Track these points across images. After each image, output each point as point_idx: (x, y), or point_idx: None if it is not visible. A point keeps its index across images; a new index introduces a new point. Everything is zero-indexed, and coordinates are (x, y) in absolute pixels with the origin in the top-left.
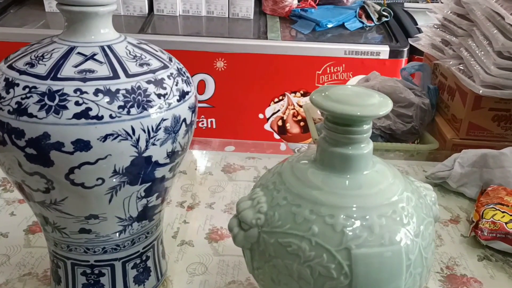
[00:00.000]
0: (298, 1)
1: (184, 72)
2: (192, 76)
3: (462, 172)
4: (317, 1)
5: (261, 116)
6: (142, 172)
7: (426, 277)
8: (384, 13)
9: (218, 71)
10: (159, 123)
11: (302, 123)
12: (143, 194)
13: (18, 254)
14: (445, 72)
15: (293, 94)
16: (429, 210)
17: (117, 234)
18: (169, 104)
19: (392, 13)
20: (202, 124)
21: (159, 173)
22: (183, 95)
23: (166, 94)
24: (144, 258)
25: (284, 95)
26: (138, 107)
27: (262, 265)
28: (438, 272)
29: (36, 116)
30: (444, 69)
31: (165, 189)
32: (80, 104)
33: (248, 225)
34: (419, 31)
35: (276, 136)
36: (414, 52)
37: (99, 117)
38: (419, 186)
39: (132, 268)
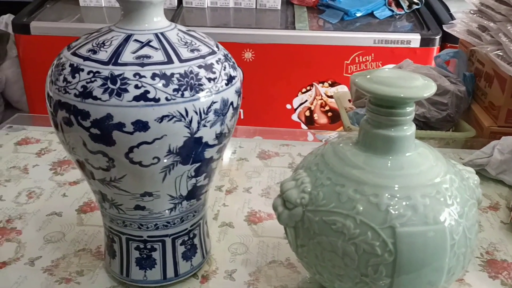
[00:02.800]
0: None
1: (230, 58)
2: None
3: (502, 159)
4: None
5: (288, 106)
6: (193, 153)
7: (469, 258)
8: (415, 0)
9: (246, 62)
10: (210, 105)
11: (329, 114)
12: (193, 173)
13: (72, 231)
14: (482, 59)
15: (321, 84)
16: (472, 192)
17: (168, 211)
18: (218, 87)
19: (423, 0)
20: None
21: (208, 153)
22: (230, 79)
23: (216, 78)
24: (191, 235)
25: (312, 85)
26: (191, 90)
27: (306, 242)
28: (478, 257)
29: (100, 99)
30: (481, 56)
31: (212, 170)
32: (139, 88)
33: (292, 204)
34: (452, 18)
35: (304, 127)
36: (446, 40)
37: (156, 100)
38: (462, 169)
39: (180, 244)
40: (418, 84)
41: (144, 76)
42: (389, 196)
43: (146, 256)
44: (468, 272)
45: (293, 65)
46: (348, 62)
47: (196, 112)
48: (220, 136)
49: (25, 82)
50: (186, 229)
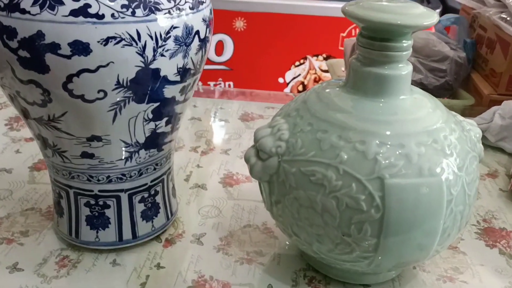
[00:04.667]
0: None
1: None
2: None
3: (503, 124)
4: None
5: (281, 80)
6: (149, 88)
7: (467, 219)
8: None
9: (237, 31)
10: (169, 30)
11: None
12: (150, 116)
13: (21, 189)
14: (485, 24)
15: (315, 58)
16: (473, 145)
17: (123, 161)
18: (180, 10)
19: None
20: (220, 87)
21: (168, 92)
22: (196, 3)
23: None
24: (152, 192)
25: (305, 58)
26: (144, 9)
27: (281, 198)
28: (474, 225)
29: (29, 12)
30: (484, 20)
31: (176, 115)
32: (78, 0)
33: (267, 154)
34: None
35: None
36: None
37: (99, 16)
38: (462, 121)
39: (139, 202)
40: (417, 12)
41: None
42: (378, 143)
43: (98, 214)
44: (463, 240)
45: (286, 36)
46: (344, 34)
47: (151, 37)
48: (183, 72)
49: None
50: (146, 184)
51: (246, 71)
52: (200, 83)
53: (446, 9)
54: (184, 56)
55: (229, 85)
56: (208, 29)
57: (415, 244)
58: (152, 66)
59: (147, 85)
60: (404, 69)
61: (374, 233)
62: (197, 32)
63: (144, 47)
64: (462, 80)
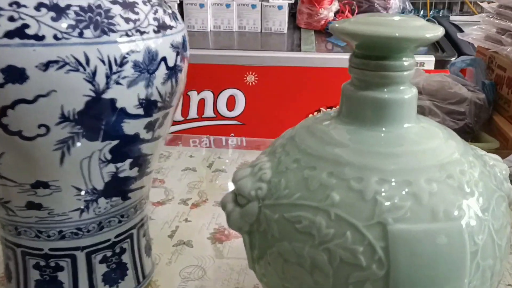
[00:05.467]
0: (334, 14)
1: (169, 6)
2: (221, 92)
3: None
4: (355, 13)
5: None
6: (104, 123)
7: (500, 276)
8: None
9: (248, 86)
10: (125, 55)
11: None
12: (108, 156)
13: None
14: (503, 63)
15: (328, 110)
16: (500, 183)
17: (78, 213)
18: (141, 33)
19: (436, 22)
20: (232, 141)
21: (129, 128)
22: (163, 27)
23: (138, 20)
24: (117, 250)
25: (319, 110)
26: (95, 29)
27: (263, 253)
28: (510, 285)
29: None
30: (502, 60)
31: (143, 156)
32: (15, 20)
33: (245, 198)
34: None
35: None
36: None
37: (39, 37)
38: (484, 155)
39: (100, 262)
40: (418, 24)
41: (24, 6)
42: (378, 180)
43: (49, 278)
44: None
45: (298, 89)
46: None
47: (102, 61)
48: (147, 104)
49: None
50: (109, 240)
51: (259, 125)
52: (211, 137)
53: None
54: (147, 86)
55: (241, 141)
56: (179, 57)
57: None
58: (106, 96)
59: (100, 119)
60: (407, 92)
61: None
62: (164, 59)
63: (94, 73)
64: (483, 123)
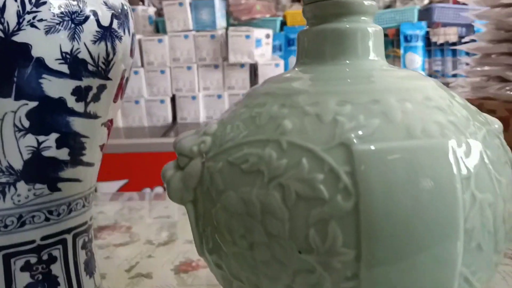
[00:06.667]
0: None
1: None
2: None
3: None
4: None
5: None
6: (16, 73)
7: (507, 222)
8: None
9: None
10: None
11: None
12: (25, 123)
13: None
14: (492, 106)
15: None
16: (490, 121)
17: None
18: None
19: None
20: None
21: (51, 88)
22: None
23: None
24: (45, 257)
25: None
26: None
27: (208, 218)
28: None
29: None
30: (491, 104)
31: (75, 136)
32: None
33: (187, 156)
34: None
35: None
36: None
37: None
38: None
39: (22, 269)
40: None
41: None
42: (338, 102)
43: None
44: None
45: None
46: None
47: None
48: (72, 62)
49: None
50: (33, 242)
51: None
52: None
53: None
54: (72, 38)
55: None
56: (116, 21)
57: (422, 257)
58: (17, 39)
59: (11, 67)
60: (370, 25)
61: (349, 239)
62: (94, 14)
63: (3, 9)
64: None
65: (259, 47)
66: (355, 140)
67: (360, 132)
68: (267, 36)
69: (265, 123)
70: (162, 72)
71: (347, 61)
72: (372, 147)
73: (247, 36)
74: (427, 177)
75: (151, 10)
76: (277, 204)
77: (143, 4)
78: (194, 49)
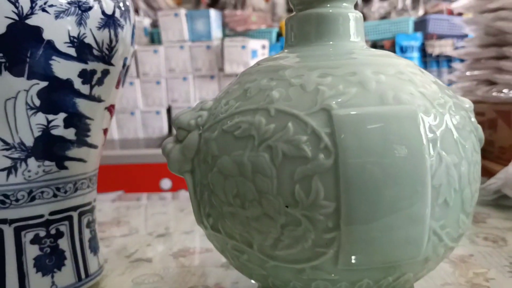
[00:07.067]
0: None
1: None
2: None
3: None
4: None
5: None
6: (29, 54)
7: (472, 184)
8: None
9: None
10: None
11: None
12: (37, 101)
13: None
14: (481, 109)
15: None
16: (460, 101)
17: (4, 174)
18: None
19: None
20: None
21: (60, 69)
22: None
23: None
24: (52, 231)
25: None
26: None
27: (205, 183)
28: (506, 266)
29: None
30: (479, 107)
31: (80, 117)
32: None
33: (185, 129)
34: None
35: None
36: None
37: None
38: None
39: (32, 242)
40: None
41: None
42: (320, 74)
43: None
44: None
45: None
46: None
47: None
48: (79, 46)
49: None
50: (42, 216)
51: None
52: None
53: None
54: (79, 24)
55: None
56: (118, 10)
57: (394, 209)
58: (30, 22)
59: (25, 48)
60: (351, 11)
61: (330, 193)
62: (99, 2)
63: None
64: None
65: (255, 57)
66: (334, 106)
67: (339, 99)
68: (263, 47)
69: (255, 94)
70: (158, 83)
71: (331, 42)
72: (350, 112)
73: (243, 47)
74: (397, 138)
75: (146, 22)
76: (266, 164)
77: (138, 15)
78: (189, 60)
